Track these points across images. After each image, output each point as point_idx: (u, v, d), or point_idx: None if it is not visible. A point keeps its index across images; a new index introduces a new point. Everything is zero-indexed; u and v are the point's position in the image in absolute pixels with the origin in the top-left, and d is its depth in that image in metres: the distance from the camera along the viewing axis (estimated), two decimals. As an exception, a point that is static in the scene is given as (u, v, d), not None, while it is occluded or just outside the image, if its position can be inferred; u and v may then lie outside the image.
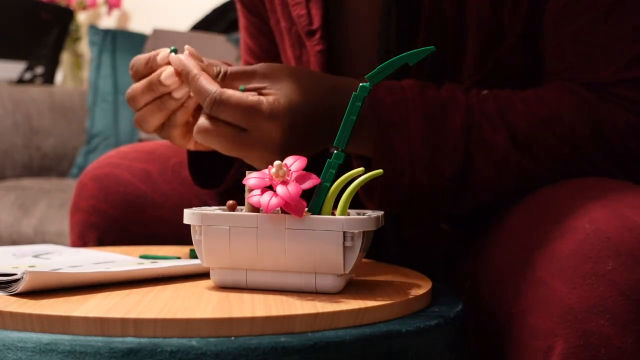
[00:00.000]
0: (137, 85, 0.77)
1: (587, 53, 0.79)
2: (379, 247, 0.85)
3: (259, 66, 0.75)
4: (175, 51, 0.77)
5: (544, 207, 0.68)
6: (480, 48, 0.82)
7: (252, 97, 0.72)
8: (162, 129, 0.78)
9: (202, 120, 0.74)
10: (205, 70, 0.75)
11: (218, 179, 0.88)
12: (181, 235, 0.93)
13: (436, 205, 0.79)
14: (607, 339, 0.58)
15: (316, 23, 0.89)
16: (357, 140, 0.76)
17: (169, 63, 0.77)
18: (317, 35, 0.89)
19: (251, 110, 0.72)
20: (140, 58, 0.78)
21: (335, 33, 0.90)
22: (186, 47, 0.77)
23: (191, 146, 0.81)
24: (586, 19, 0.78)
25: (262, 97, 0.72)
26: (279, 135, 0.72)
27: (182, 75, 0.75)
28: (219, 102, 0.72)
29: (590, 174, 0.75)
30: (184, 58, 0.75)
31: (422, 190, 0.76)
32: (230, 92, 0.72)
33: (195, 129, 0.74)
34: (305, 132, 0.74)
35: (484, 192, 0.77)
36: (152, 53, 0.78)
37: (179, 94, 0.76)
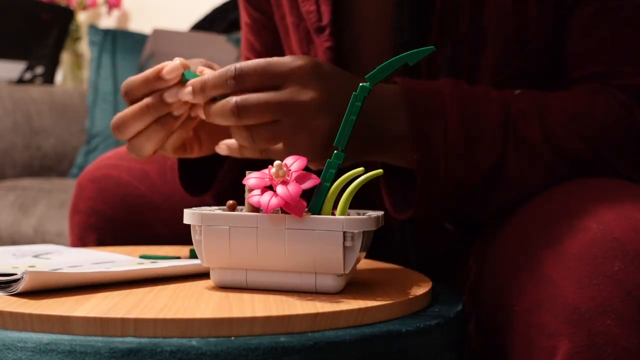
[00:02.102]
0: (128, 110, 0.72)
1: (619, 58, 0.79)
2: (379, 247, 0.84)
3: (273, 60, 0.72)
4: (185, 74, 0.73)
5: (551, 206, 0.68)
6: (500, 50, 0.82)
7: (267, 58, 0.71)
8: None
9: (234, 98, 0.69)
10: (218, 75, 0.74)
11: (207, 185, 0.87)
12: (181, 236, 0.93)
13: (467, 204, 0.77)
14: (613, 339, 0.58)
15: (325, 19, 0.88)
16: (388, 138, 0.74)
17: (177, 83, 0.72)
18: (327, 32, 0.88)
19: (273, 64, 0.70)
20: (135, 79, 0.73)
21: (344, 30, 0.90)
22: (199, 68, 0.74)
23: (193, 154, 0.81)
24: (617, 25, 0.78)
25: (279, 58, 0.71)
26: (308, 74, 0.69)
27: (197, 88, 0.71)
28: (241, 71, 0.69)
29: (617, 175, 0.74)
30: (200, 70, 0.73)
31: (456, 184, 0.74)
32: (244, 62, 0.70)
33: (229, 112, 0.69)
34: (338, 81, 0.71)
35: (512, 190, 0.76)
36: (150, 71, 0.72)
37: (180, 110, 0.73)
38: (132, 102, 0.74)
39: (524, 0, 0.81)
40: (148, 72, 0.73)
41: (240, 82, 0.69)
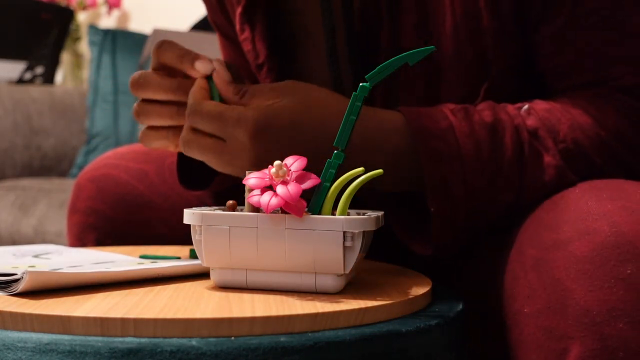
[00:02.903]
0: (152, 104, 0.77)
1: (603, 63, 0.77)
2: (379, 247, 0.84)
3: (282, 84, 0.75)
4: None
5: (561, 208, 0.67)
6: (464, 79, 0.80)
7: (226, 105, 0.73)
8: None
9: (184, 132, 0.75)
10: (227, 90, 0.75)
11: (205, 182, 0.88)
12: (180, 235, 0.93)
13: (485, 233, 0.76)
14: (625, 343, 0.58)
15: (261, 57, 0.90)
16: (398, 176, 0.74)
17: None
18: (265, 69, 0.90)
19: (219, 117, 0.72)
20: (177, 46, 0.77)
21: (285, 66, 0.91)
22: (214, 73, 0.76)
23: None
24: (592, 31, 0.77)
25: (235, 106, 0.73)
26: (246, 140, 0.71)
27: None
28: (195, 112, 0.73)
29: (637, 177, 0.73)
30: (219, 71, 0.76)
31: (476, 223, 0.74)
32: (206, 102, 0.73)
33: (179, 140, 0.75)
34: (280, 140, 0.72)
35: (527, 211, 0.74)
36: (192, 54, 0.76)
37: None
38: (157, 67, 0.77)
39: (477, 27, 0.78)
40: (191, 53, 0.76)
41: (192, 121, 0.73)
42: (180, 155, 0.86)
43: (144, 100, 0.78)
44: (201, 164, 0.85)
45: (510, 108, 0.76)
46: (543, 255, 0.65)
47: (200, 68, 0.75)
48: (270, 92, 0.74)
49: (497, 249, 0.74)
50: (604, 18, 0.77)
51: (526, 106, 0.76)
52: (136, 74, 0.77)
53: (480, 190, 0.72)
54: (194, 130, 0.74)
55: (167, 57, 0.76)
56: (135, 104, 0.78)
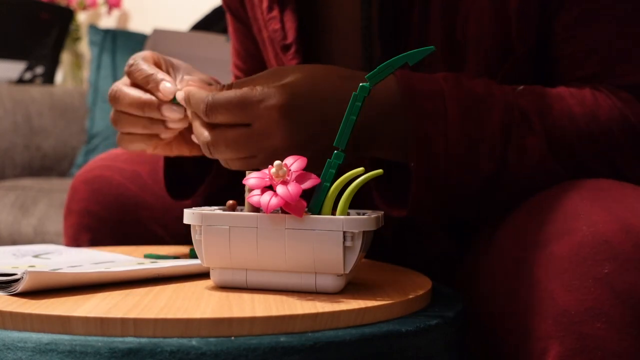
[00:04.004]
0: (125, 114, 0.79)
1: (609, 58, 0.78)
2: (379, 247, 0.84)
3: (267, 71, 0.74)
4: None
5: (542, 208, 0.68)
6: (484, 63, 0.81)
7: (244, 87, 0.71)
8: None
9: (205, 134, 0.72)
10: (209, 89, 0.74)
11: (191, 190, 0.89)
12: (175, 234, 0.94)
13: (465, 208, 0.76)
14: (603, 343, 0.58)
15: (290, 37, 0.88)
16: (385, 137, 0.73)
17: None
18: (292, 50, 0.88)
19: (243, 100, 0.69)
20: (144, 67, 0.78)
21: (313, 47, 0.90)
22: (185, 89, 0.77)
23: (175, 152, 0.84)
24: (604, 26, 0.78)
25: (253, 87, 0.71)
26: (277, 117, 0.69)
27: (184, 102, 0.75)
28: (212, 106, 0.70)
29: (621, 175, 0.73)
30: (185, 89, 0.75)
31: (455, 188, 0.73)
32: (220, 93, 0.71)
33: (202, 146, 0.73)
34: (310, 117, 0.70)
35: (512, 195, 0.74)
36: (157, 76, 0.78)
37: (174, 125, 0.78)
38: (118, 109, 0.79)
39: (504, 10, 0.79)
40: (156, 76, 0.77)
41: (211, 116, 0.71)
42: (167, 165, 0.88)
43: (119, 110, 0.79)
44: (188, 172, 0.86)
45: (506, 87, 0.76)
46: (524, 255, 0.65)
47: (164, 91, 0.76)
48: (259, 79, 0.72)
49: (484, 250, 0.74)
50: (617, 14, 0.77)
51: (521, 87, 0.76)
52: (112, 89, 0.79)
53: (460, 153, 0.72)
54: (214, 127, 0.72)
55: (136, 77, 0.78)
56: (111, 113, 0.81)
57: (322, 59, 0.90)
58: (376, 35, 0.85)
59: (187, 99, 0.73)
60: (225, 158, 0.72)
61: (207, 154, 0.73)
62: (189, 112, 0.75)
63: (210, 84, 0.79)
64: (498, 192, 0.74)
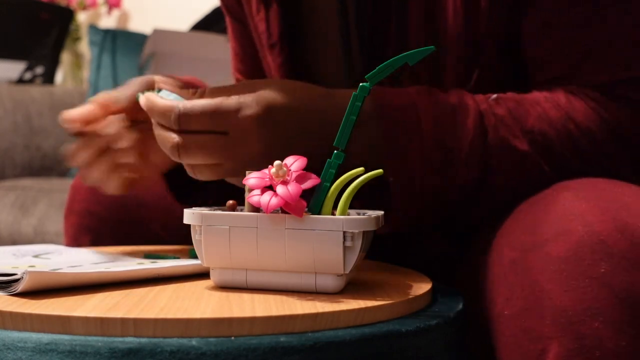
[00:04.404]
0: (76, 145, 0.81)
1: (580, 58, 0.78)
2: (379, 247, 0.84)
3: (240, 83, 0.74)
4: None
5: (538, 209, 0.68)
6: (460, 64, 0.81)
7: (217, 98, 0.70)
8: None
9: (173, 136, 0.71)
10: (181, 93, 0.74)
11: (193, 194, 0.90)
12: (174, 235, 0.94)
13: (450, 214, 0.76)
14: (601, 342, 0.58)
15: (274, 36, 0.90)
16: (361, 149, 0.73)
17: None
18: (277, 48, 0.90)
19: (218, 109, 0.69)
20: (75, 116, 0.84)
21: (297, 46, 0.91)
22: (157, 87, 0.77)
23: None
24: (572, 26, 0.78)
25: (230, 96, 0.70)
26: (254, 127, 0.69)
27: (146, 109, 0.73)
28: (186, 113, 0.69)
29: (607, 174, 0.74)
30: (145, 95, 0.74)
31: (435, 197, 0.74)
32: (194, 101, 0.70)
33: (169, 149, 0.71)
34: (288, 129, 0.71)
35: (500, 199, 0.75)
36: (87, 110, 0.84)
37: (123, 143, 0.79)
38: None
39: (475, 6, 0.80)
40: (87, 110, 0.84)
41: (184, 124, 0.70)
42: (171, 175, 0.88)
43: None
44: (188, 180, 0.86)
45: (479, 96, 0.77)
46: (520, 256, 0.65)
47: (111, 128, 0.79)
48: (233, 89, 0.72)
49: (482, 252, 0.74)
50: (584, 14, 0.77)
51: (494, 96, 0.77)
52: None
53: (436, 160, 0.73)
54: (185, 134, 0.70)
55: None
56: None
57: (305, 59, 0.91)
58: (355, 42, 0.86)
59: (150, 107, 0.72)
60: (194, 163, 0.71)
61: (175, 158, 0.72)
62: (152, 119, 0.74)
63: (181, 87, 0.77)
64: (486, 196, 0.75)
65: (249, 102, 0.70)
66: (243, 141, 0.70)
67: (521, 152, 0.74)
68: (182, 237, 0.93)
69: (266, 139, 0.70)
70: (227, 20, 1.05)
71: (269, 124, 0.70)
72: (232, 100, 0.70)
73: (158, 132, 0.73)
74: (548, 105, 0.76)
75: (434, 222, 0.78)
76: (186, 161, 0.72)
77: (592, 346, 0.58)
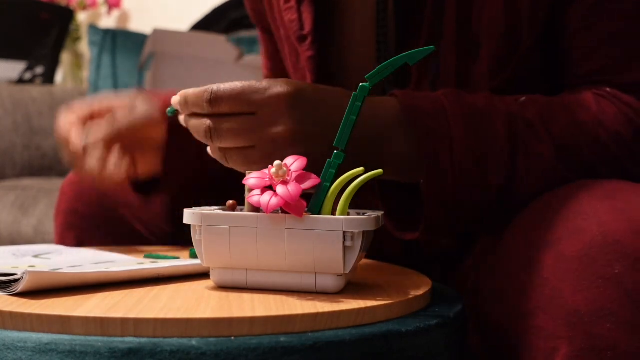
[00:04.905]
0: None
1: (621, 54, 0.77)
2: (379, 247, 0.84)
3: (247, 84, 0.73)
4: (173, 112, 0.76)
5: (552, 207, 0.67)
6: (494, 54, 0.80)
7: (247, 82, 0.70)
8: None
9: (205, 121, 0.70)
10: (187, 92, 0.74)
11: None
12: (154, 232, 0.95)
13: (477, 219, 0.75)
14: (613, 343, 0.58)
15: (307, 28, 0.88)
16: (390, 157, 0.72)
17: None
18: (308, 41, 0.88)
19: (249, 88, 0.69)
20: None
21: (328, 39, 0.89)
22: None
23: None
24: (616, 20, 0.77)
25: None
26: (283, 106, 0.68)
27: (180, 102, 0.72)
28: (216, 95, 0.69)
29: (633, 180, 0.72)
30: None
31: (466, 204, 0.73)
32: (223, 84, 0.70)
33: (203, 134, 0.71)
34: (318, 108, 0.70)
35: (521, 204, 0.73)
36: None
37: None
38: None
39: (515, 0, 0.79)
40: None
41: (215, 106, 0.69)
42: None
43: None
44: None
45: (508, 98, 0.75)
46: (533, 254, 0.65)
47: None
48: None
49: (492, 249, 0.74)
50: (632, 7, 0.77)
51: (523, 98, 0.76)
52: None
53: (468, 168, 0.71)
54: (215, 117, 0.70)
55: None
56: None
57: (336, 52, 0.90)
58: (392, 38, 0.85)
59: (184, 98, 0.72)
60: (225, 146, 0.71)
61: (208, 142, 0.71)
62: (181, 118, 0.74)
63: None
64: (509, 202, 0.73)
65: (279, 82, 0.69)
66: (272, 120, 0.69)
67: (548, 159, 0.73)
68: (162, 234, 0.95)
69: (295, 119, 0.69)
70: (261, 37, 1.05)
71: (299, 102, 0.69)
72: (261, 83, 0.69)
73: (192, 122, 0.72)
74: (578, 108, 0.75)
75: (462, 230, 0.77)
76: (218, 144, 0.71)
77: (604, 347, 0.58)
